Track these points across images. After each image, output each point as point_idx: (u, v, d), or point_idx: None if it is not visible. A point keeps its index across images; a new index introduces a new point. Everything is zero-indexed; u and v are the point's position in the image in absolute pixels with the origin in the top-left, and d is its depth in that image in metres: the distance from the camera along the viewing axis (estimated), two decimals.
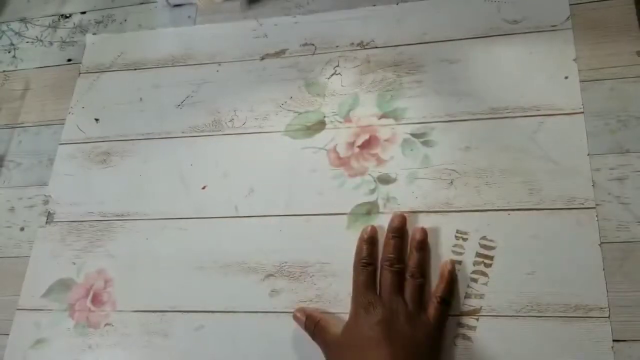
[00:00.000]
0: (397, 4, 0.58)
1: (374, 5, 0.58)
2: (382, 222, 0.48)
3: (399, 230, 0.46)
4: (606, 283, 0.43)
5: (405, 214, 0.47)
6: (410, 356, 0.40)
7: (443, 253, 0.47)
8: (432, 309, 0.43)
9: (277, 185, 0.53)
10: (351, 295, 0.45)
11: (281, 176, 0.53)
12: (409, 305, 0.42)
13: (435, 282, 0.45)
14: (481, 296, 0.45)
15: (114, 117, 0.61)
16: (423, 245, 0.45)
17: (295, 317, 0.46)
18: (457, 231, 0.47)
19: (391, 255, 0.44)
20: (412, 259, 0.45)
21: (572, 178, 0.47)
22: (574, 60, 0.51)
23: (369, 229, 0.46)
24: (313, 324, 0.45)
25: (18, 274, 0.56)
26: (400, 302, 0.42)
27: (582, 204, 0.46)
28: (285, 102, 0.57)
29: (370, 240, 0.46)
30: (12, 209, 0.60)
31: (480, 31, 0.54)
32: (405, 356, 0.40)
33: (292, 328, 0.47)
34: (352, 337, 0.42)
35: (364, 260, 0.45)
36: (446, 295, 0.43)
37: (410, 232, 0.47)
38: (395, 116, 0.53)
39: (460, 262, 0.46)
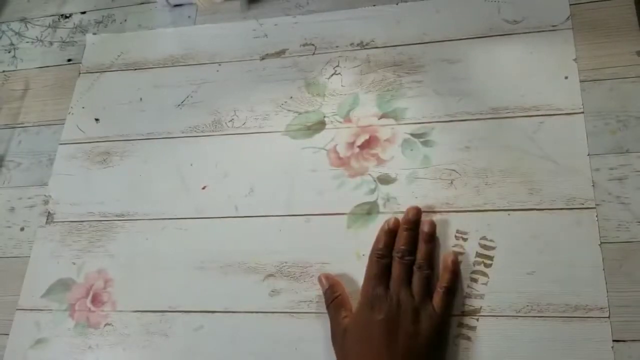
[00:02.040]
0: (397, 4, 0.58)
1: (374, 5, 0.58)
2: (382, 222, 0.48)
3: (413, 222, 0.46)
4: (606, 283, 0.43)
5: (420, 207, 0.47)
6: (413, 353, 0.41)
7: (443, 253, 0.47)
8: (437, 299, 0.43)
9: (277, 185, 0.53)
10: (362, 284, 0.45)
11: (281, 176, 0.53)
12: (416, 298, 0.43)
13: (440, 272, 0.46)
14: (481, 296, 0.45)
15: (114, 117, 0.61)
16: (431, 237, 0.45)
17: (320, 281, 0.47)
18: (457, 231, 0.47)
19: (403, 247, 0.45)
20: (420, 251, 0.45)
21: (572, 178, 0.47)
22: (574, 60, 0.51)
23: (392, 220, 0.46)
24: (332, 297, 0.45)
25: (18, 274, 0.56)
26: (408, 296, 0.43)
27: (582, 204, 0.46)
28: (285, 102, 0.57)
29: (390, 233, 0.46)
30: (12, 209, 0.60)
31: (480, 31, 0.54)
32: (407, 354, 0.40)
33: (292, 328, 0.47)
34: (356, 329, 0.43)
35: (380, 252, 0.45)
36: (451, 285, 0.44)
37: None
38: (395, 116, 0.53)
39: (460, 262, 0.46)
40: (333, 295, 0.45)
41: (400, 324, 0.41)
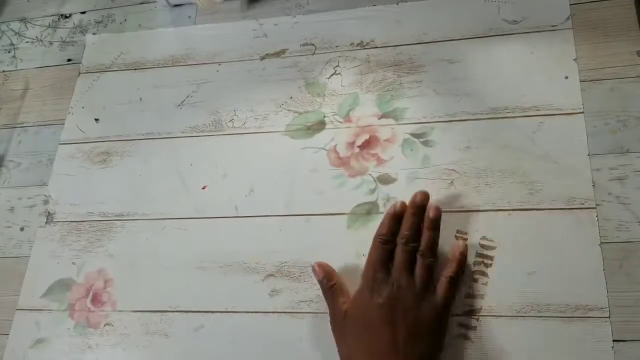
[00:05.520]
0: (397, 4, 0.58)
1: (374, 5, 0.58)
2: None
3: (420, 207, 0.45)
4: (606, 283, 0.43)
5: (428, 192, 0.45)
6: (412, 337, 0.40)
7: (443, 253, 0.47)
8: (440, 288, 0.43)
9: (277, 185, 0.53)
10: (363, 269, 0.45)
11: (281, 176, 0.53)
12: (418, 285, 0.42)
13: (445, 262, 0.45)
14: (481, 296, 0.45)
15: (114, 117, 0.61)
16: (436, 225, 0.44)
17: (314, 270, 0.47)
18: (457, 231, 0.47)
19: (407, 233, 0.43)
20: (424, 238, 0.44)
21: (572, 178, 0.47)
22: (574, 60, 0.51)
23: (399, 204, 0.45)
24: (328, 285, 0.46)
25: (18, 274, 0.56)
26: (409, 282, 0.42)
27: (582, 204, 0.46)
28: (285, 102, 0.57)
29: (395, 218, 0.45)
30: (12, 209, 0.60)
31: (480, 31, 0.54)
32: (406, 337, 0.40)
33: (292, 328, 0.47)
34: (355, 313, 0.43)
35: (383, 237, 0.44)
36: (456, 275, 0.43)
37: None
38: (395, 116, 0.53)
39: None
40: (330, 283, 0.46)
41: (399, 309, 0.41)
